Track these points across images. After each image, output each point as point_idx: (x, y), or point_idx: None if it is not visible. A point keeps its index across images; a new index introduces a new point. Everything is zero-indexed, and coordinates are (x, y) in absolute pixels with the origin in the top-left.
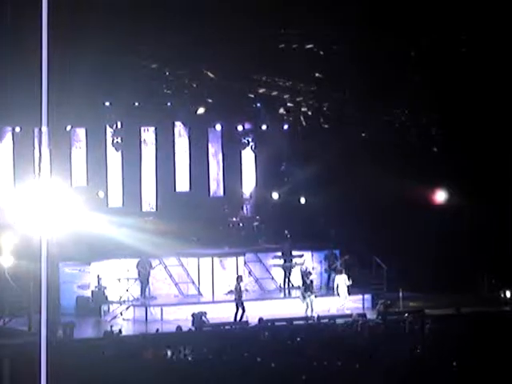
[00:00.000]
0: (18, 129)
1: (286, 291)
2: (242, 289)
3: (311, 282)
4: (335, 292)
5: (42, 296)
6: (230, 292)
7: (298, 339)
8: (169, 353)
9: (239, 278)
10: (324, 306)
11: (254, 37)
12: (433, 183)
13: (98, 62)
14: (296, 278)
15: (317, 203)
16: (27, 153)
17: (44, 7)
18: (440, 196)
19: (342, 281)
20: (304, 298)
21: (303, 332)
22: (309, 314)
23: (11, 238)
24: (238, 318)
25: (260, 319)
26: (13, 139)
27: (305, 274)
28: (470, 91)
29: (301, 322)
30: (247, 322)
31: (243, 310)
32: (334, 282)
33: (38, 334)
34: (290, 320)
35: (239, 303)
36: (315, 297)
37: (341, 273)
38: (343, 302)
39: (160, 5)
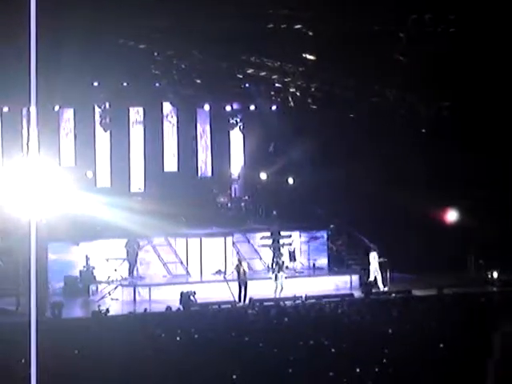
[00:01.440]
0: (5, 109)
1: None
2: (246, 269)
3: (283, 262)
4: (371, 270)
5: (32, 276)
6: (218, 272)
7: (286, 319)
8: (156, 332)
9: (240, 259)
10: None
11: (243, 17)
12: (423, 164)
13: (86, 42)
14: (285, 258)
15: (305, 183)
16: (15, 133)
17: None
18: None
19: (374, 258)
20: (276, 278)
21: (290, 312)
22: (277, 294)
23: None
24: (242, 297)
25: (250, 299)
26: (1, 119)
27: (291, 254)
28: (458, 72)
29: (288, 303)
30: (235, 301)
31: (246, 290)
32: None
33: (26, 314)
34: (277, 300)
35: (242, 283)
36: (285, 278)
37: (373, 250)
38: (378, 278)
39: None
